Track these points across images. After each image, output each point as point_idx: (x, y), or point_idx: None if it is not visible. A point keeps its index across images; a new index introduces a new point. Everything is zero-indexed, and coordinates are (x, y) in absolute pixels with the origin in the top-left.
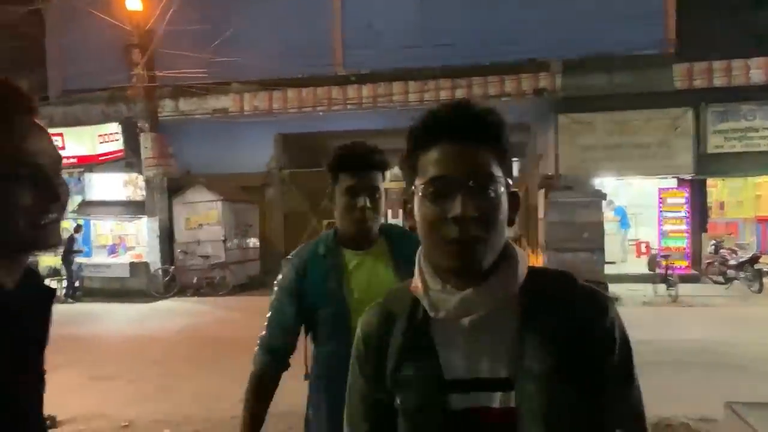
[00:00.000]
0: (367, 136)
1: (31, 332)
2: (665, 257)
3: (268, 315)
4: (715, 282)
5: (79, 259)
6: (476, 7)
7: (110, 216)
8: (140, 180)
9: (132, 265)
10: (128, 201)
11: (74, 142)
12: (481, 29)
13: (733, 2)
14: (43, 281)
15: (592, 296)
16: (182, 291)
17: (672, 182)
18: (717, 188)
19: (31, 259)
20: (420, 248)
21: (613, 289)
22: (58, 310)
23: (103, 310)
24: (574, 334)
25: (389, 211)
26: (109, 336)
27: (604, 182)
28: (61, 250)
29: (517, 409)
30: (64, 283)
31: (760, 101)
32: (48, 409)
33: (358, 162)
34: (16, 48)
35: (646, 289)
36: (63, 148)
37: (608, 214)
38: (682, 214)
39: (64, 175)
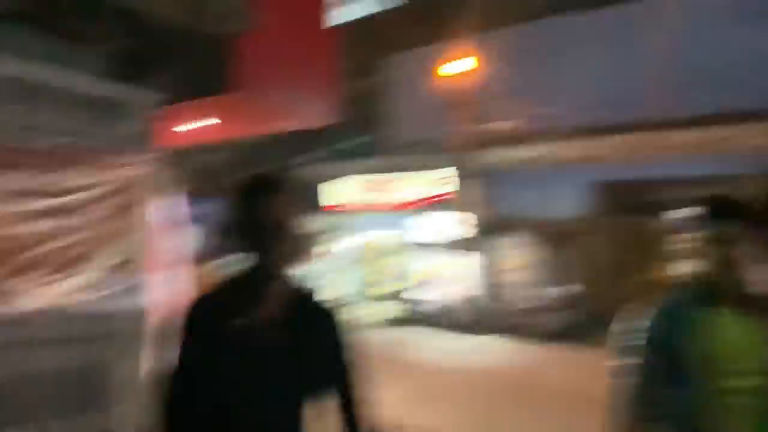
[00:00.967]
0: (697, 184)
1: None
2: None
3: None
4: None
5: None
6: None
7: (434, 251)
8: (461, 220)
9: (449, 299)
10: (449, 240)
11: (409, 185)
12: None
13: None
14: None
15: None
16: (493, 330)
17: None
18: None
19: None
20: None
21: None
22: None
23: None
24: None
25: None
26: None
27: None
28: None
29: None
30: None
31: None
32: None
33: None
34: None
35: None
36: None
37: None
38: None
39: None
